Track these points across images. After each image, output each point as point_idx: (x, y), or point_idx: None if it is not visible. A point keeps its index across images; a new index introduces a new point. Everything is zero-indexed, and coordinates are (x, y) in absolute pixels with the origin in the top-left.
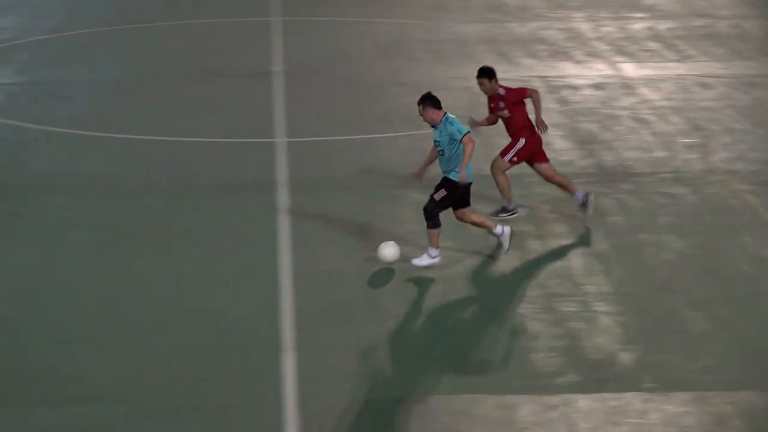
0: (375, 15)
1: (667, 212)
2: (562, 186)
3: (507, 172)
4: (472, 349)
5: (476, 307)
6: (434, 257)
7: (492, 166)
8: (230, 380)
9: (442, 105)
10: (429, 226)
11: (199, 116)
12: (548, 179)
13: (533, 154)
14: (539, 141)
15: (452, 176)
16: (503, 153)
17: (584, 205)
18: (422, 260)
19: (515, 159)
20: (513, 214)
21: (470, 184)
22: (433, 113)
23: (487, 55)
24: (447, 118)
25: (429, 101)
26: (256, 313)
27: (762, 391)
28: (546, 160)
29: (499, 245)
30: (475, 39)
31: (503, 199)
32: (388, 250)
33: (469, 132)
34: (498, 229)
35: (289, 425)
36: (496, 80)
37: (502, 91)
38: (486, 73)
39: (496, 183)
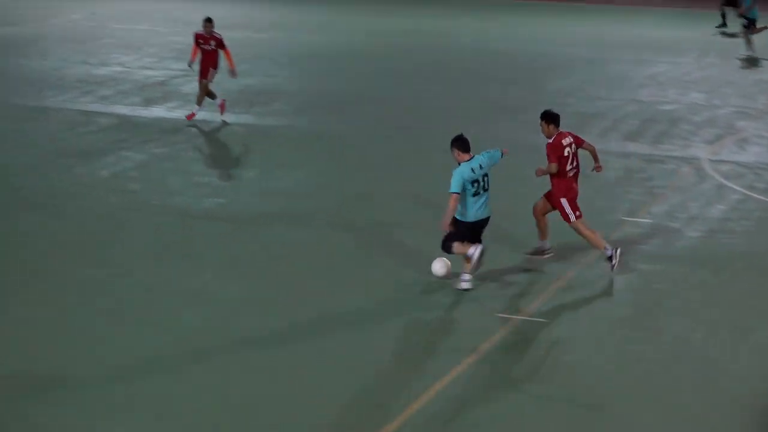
0: None
1: None
2: (540, 230)
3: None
4: None
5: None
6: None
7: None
8: None
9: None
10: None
11: None
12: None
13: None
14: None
15: (457, 216)
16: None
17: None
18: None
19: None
20: (548, 254)
21: (477, 222)
22: (457, 155)
23: None
24: (458, 166)
25: (455, 143)
26: None
27: None
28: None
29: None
30: None
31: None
32: (437, 266)
33: (454, 192)
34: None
35: None
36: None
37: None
38: (543, 117)
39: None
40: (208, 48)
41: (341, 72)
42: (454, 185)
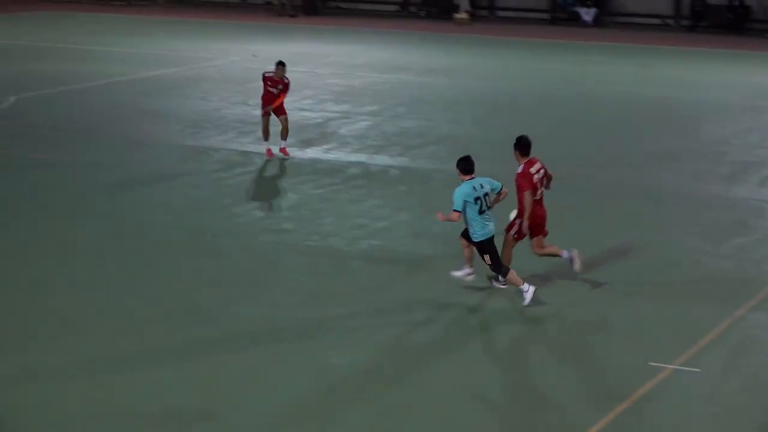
0: None
1: None
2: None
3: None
4: None
5: None
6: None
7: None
8: None
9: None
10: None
11: None
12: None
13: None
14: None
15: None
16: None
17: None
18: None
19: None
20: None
21: (488, 240)
22: (460, 175)
23: None
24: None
25: (459, 164)
26: None
27: None
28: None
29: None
30: None
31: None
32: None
33: (456, 210)
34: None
35: None
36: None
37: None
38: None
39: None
40: (275, 91)
41: (497, 117)
42: (457, 203)
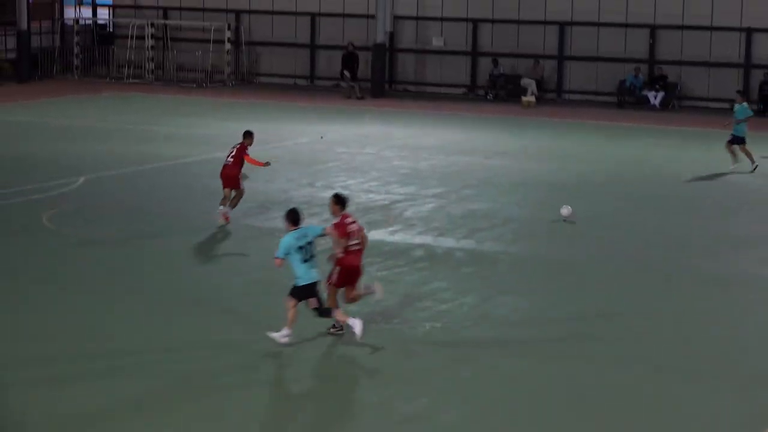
0: None
1: None
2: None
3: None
4: None
5: None
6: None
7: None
8: None
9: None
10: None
11: None
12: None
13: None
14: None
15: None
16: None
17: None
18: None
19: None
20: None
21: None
22: (286, 226)
23: None
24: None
25: (286, 217)
26: None
27: None
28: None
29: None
30: None
31: None
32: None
33: (278, 257)
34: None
35: None
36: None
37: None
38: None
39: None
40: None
41: (564, 199)
42: (280, 251)
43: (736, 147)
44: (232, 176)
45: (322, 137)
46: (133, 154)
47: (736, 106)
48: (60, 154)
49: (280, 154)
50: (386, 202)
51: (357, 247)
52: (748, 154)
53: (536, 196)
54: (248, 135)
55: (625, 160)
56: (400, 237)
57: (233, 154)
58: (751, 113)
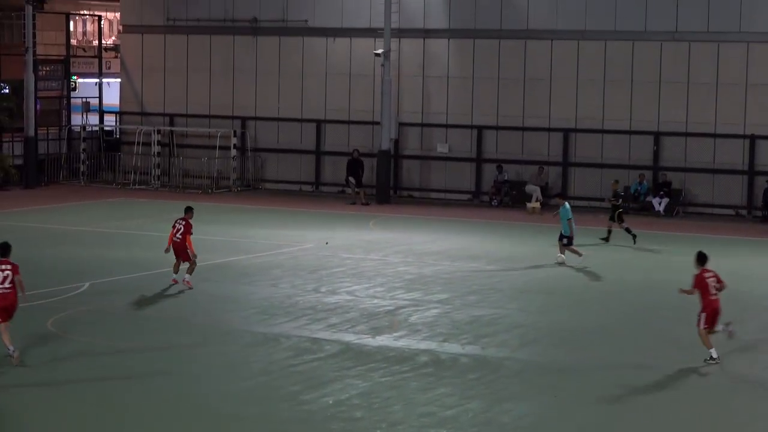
0: None
1: None
2: None
3: None
4: None
5: None
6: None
7: None
8: None
9: None
10: None
11: None
12: None
13: None
14: None
15: None
16: None
17: None
18: None
19: None
20: None
21: None
22: None
23: None
24: None
25: None
26: None
27: None
28: None
29: None
30: None
31: None
32: None
33: None
34: None
35: None
36: None
37: None
38: None
39: None
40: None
41: (568, 306)
42: None
43: (570, 246)
44: (182, 250)
45: (327, 243)
46: (139, 259)
47: (561, 209)
48: (65, 259)
49: (285, 260)
50: (391, 308)
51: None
52: (569, 250)
53: (540, 302)
54: (189, 210)
55: (628, 266)
56: (404, 342)
57: (181, 231)
58: (570, 216)
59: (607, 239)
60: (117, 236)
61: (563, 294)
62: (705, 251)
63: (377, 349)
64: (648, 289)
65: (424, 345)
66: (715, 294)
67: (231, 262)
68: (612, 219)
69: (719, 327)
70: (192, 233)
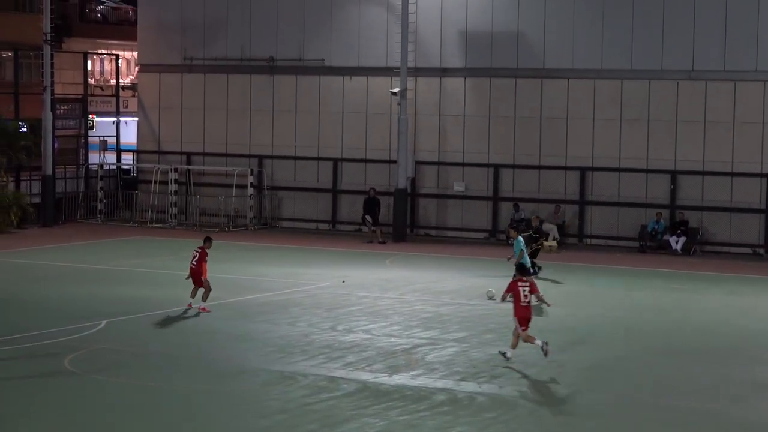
0: None
1: None
2: None
3: None
4: None
5: None
6: None
7: None
8: None
9: None
10: None
11: None
12: None
13: None
14: None
15: None
16: None
17: None
18: None
19: None
20: None
21: None
22: None
23: None
24: None
25: None
26: None
27: None
28: None
29: None
30: None
31: None
32: None
33: None
34: None
35: None
36: None
37: None
38: None
39: None
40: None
41: (585, 344)
42: None
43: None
44: (197, 275)
45: (343, 281)
46: (156, 297)
47: (514, 242)
48: (82, 297)
49: (302, 298)
50: (408, 346)
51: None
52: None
53: (557, 340)
54: (207, 240)
55: (646, 305)
56: (422, 381)
57: (196, 258)
58: (522, 247)
59: (536, 272)
60: (134, 274)
61: (581, 333)
62: (525, 264)
63: (394, 387)
64: (666, 329)
65: (441, 383)
66: (526, 302)
67: (248, 300)
68: (533, 255)
69: (538, 342)
70: (206, 261)
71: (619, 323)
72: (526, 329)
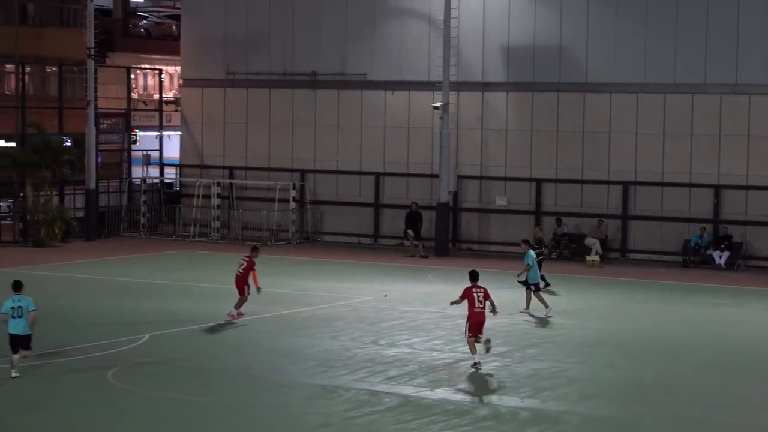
0: None
1: None
2: None
3: None
4: None
5: None
6: None
7: None
8: None
9: None
10: None
11: None
12: None
13: None
14: None
15: None
16: None
17: None
18: None
19: None
20: None
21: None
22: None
23: None
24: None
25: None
26: None
27: None
28: None
29: None
30: None
31: None
32: None
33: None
34: None
35: None
36: None
37: None
38: None
39: None
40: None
41: (628, 359)
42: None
43: (538, 293)
44: (240, 283)
45: (385, 296)
46: (199, 311)
47: (526, 255)
48: (126, 310)
49: (344, 312)
50: (450, 361)
51: None
52: (541, 300)
53: (600, 355)
54: (254, 249)
55: (689, 321)
56: (464, 396)
57: (243, 266)
58: (530, 261)
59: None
60: (177, 288)
61: (623, 347)
62: (478, 270)
63: (436, 402)
64: (708, 344)
65: (483, 398)
66: (480, 307)
67: (290, 314)
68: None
69: (482, 340)
70: (254, 269)
71: (664, 338)
72: (472, 336)
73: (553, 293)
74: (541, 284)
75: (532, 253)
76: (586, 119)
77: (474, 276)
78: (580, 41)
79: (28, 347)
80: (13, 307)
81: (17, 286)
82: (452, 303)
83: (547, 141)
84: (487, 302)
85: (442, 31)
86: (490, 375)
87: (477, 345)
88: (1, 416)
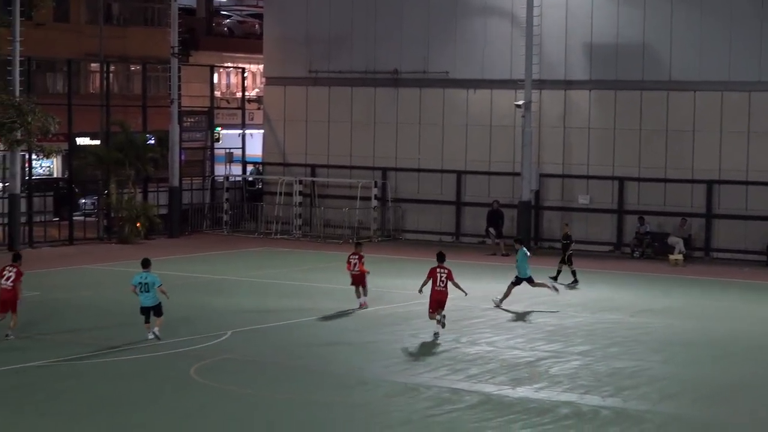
0: None
1: None
2: None
3: None
4: None
5: None
6: None
7: None
8: None
9: None
10: None
11: None
12: None
13: None
14: None
15: None
16: None
17: None
18: None
19: None
20: None
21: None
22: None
23: None
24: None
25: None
26: None
27: None
28: None
29: None
30: None
31: None
32: None
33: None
34: None
35: None
36: None
37: None
38: None
39: None
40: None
41: (712, 359)
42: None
43: (512, 287)
44: (359, 279)
45: (466, 294)
46: (280, 308)
47: (518, 253)
48: (208, 307)
49: (424, 310)
50: (532, 359)
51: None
52: (543, 285)
53: (683, 354)
54: (359, 245)
55: None
56: (545, 394)
57: (356, 264)
58: (528, 255)
59: (556, 278)
60: (259, 285)
61: (707, 346)
62: (443, 251)
63: (517, 400)
64: None
65: (564, 397)
66: (441, 286)
67: (372, 312)
68: (563, 261)
69: (438, 316)
70: (363, 263)
71: (749, 339)
72: (433, 312)
73: (575, 290)
74: (558, 281)
75: (524, 250)
76: (669, 117)
77: (441, 257)
78: (664, 38)
79: (158, 314)
80: (140, 283)
81: (146, 264)
82: (420, 288)
83: (630, 139)
84: (450, 282)
85: (525, 29)
86: (573, 373)
87: (435, 319)
88: (84, 412)
